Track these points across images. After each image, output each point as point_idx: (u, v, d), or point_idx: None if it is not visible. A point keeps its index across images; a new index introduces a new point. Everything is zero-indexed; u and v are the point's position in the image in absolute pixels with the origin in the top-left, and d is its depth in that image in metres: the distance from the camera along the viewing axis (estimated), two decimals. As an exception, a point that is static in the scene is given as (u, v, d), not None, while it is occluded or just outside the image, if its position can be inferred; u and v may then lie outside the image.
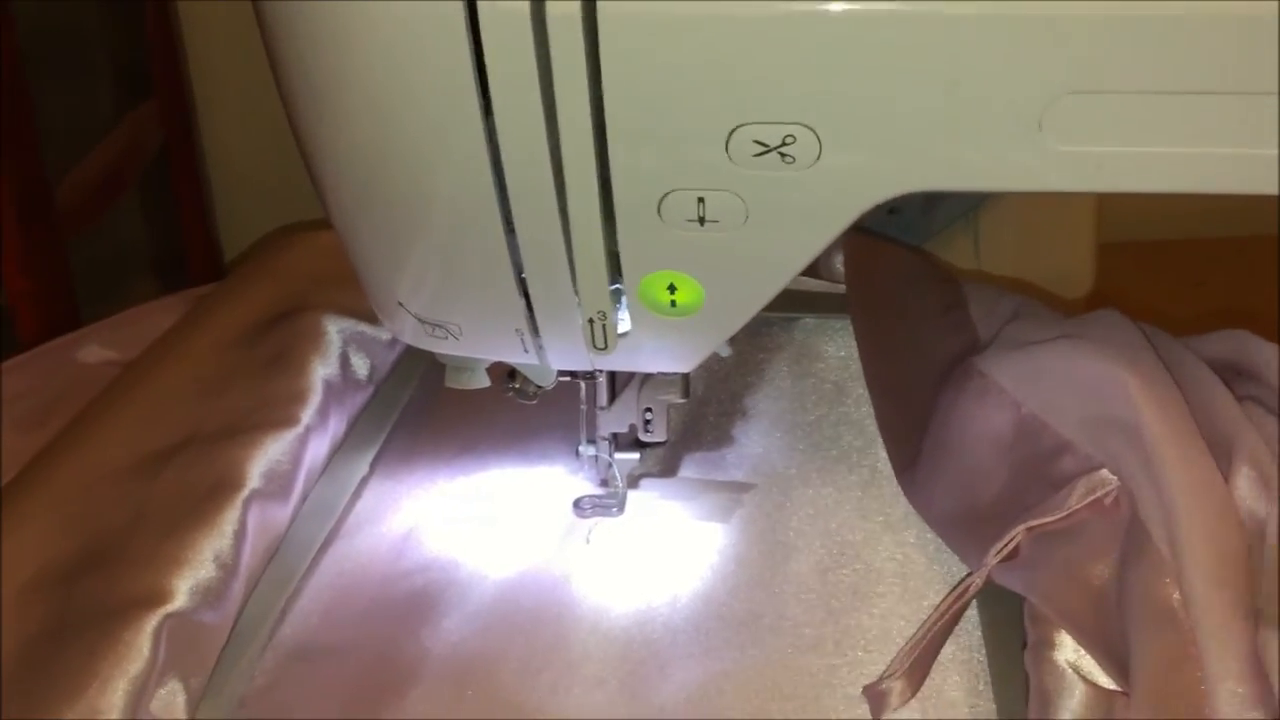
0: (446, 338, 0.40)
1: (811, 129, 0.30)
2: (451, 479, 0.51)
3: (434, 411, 0.56)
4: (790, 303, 0.33)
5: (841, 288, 0.60)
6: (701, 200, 0.32)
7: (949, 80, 0.29)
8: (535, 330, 0.38)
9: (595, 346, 0.38)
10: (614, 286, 0.36)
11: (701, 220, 0.33)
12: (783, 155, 0.31)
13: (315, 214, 1.04)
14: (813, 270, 0.65)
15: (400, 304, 0.39)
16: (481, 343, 0.40)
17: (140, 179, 0.92)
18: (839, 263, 0.64)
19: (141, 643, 0.37)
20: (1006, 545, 0.40)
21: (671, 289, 0.35)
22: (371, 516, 0.49)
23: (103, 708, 0.35)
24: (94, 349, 0.59)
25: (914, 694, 0.39)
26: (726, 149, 0.31)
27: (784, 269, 0.35)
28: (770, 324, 0.59)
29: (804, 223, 0.33)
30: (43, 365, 0.58)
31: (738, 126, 0.30)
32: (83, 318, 0.78)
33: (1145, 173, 0.29)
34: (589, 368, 0.40)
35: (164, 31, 0.94)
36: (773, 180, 0.31)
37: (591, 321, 0.37)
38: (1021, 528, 0.40)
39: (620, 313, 0.37)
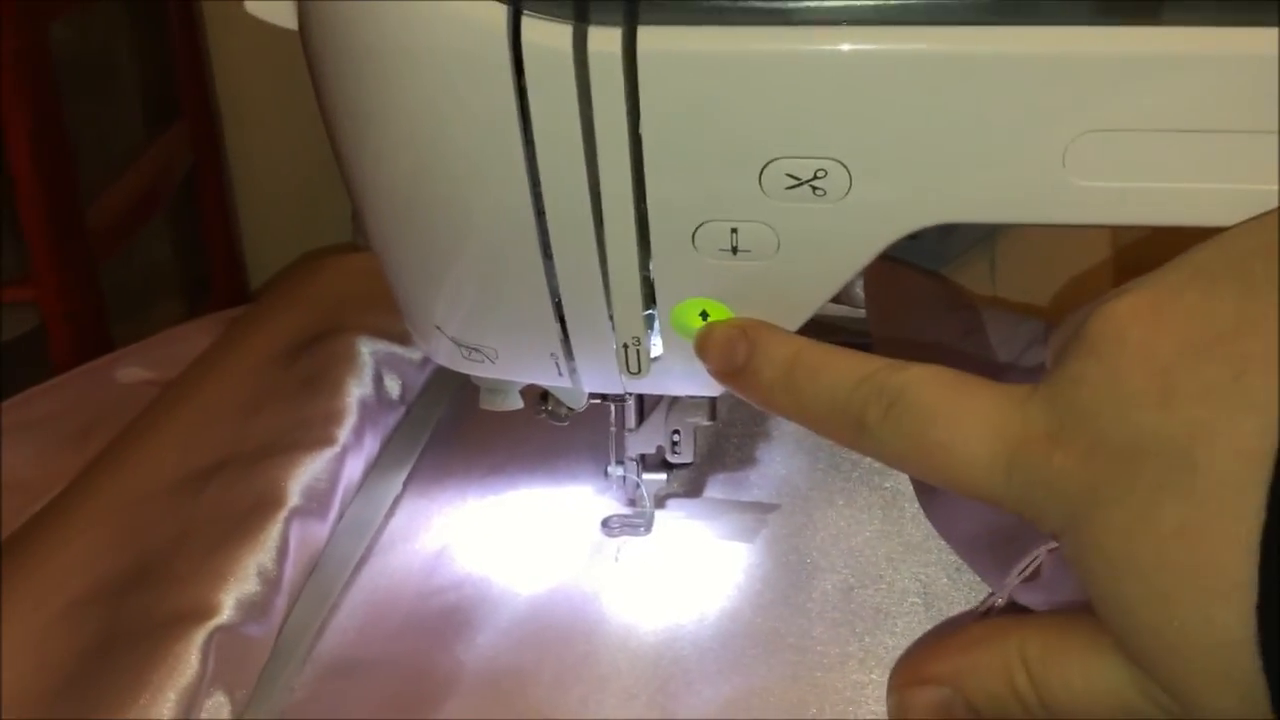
0: (483, 361, 0.41)
1: (842, 163, 0.31)
2: (482, 498, 0.53)
3: (464, 432, 0.57)
4: (813, 328, 0.34)
5: (862, 313, 0.62)
6: (735, 231, 0.33)
7: (974, 118, 0.30)
8: (570, 354, 0.40)
9: (629, 371, 0.39)
10: (647, 313, 0.37)
11: (734, 250, 0.34)
12: (814, 188, 0.32)
13: (340, 237, 1.05)
14: (835, 296, 0.66)
15: (437, 327, 0.40)
16: (517, 366, 0.41)
17: (168, 202, 0.94)
18: (859, 288, 0.65)
19: (191, 654, 0.38)
20: (1029, 565, 0.41)
21: (704, 315, 0.36)
22: (405, 534, 0.50)
23: (153, 718, 0.36)
24: (132, 370, 0.61)
25: (938, 711, 0.40)
26: (760, 182, 0.32)
27: (813, 297, 0.36)
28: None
29: (833, 253, 0.34)
30: (81, 385, 0.59)
31: (771, 160, 0.31)
32: (113, 338, 0.80)
33: (1165, 208, 0.30)
34: (621, 391, 0.41)
35: (192, 55, 0.96)
36: (804, 212, 0.32)
37: (626, 346, 0.38)
38: (1044, 548, 0.41)
39: (653, 338, 0.38)
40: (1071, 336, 0.28)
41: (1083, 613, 0.29)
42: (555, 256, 0.35)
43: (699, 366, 0.39)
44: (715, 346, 0.35)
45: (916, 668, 0.32)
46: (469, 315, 0.39)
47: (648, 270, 0.35)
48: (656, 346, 0.38)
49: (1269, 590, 0.24)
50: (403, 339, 0.56)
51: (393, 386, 0.55)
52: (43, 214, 0.74)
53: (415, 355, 0.57)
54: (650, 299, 0.36)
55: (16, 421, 0.56)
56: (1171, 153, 0.30)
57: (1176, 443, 0.25)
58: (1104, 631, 0.28)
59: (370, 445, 0.53)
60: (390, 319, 0.56)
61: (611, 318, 0.37)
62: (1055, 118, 0.29)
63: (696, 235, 0.34)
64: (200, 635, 0.39)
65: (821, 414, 0.32)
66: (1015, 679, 0.30)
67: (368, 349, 0.55)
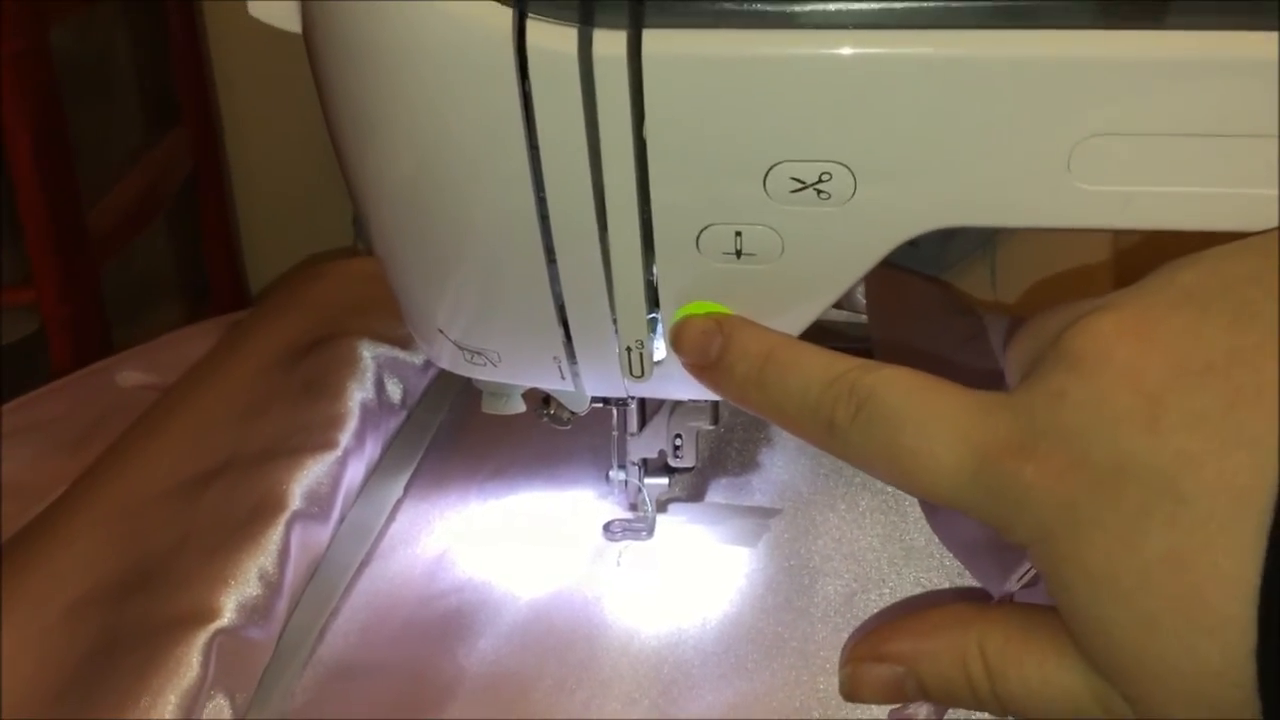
0: (485, 364, 0.41)
1: (847, 167, 0.31)
2: (483, 502, 0.53)
3: (465, 436, 0.57)
4: (815, 333, 0.34)
5: (864, 318, 0.62)
6: (739, 234, 0.33)
7: (979, 122, 0.30)
8: (572, 358, 0.39)
9: (631, 374, 0.39)
10: (650, 316, 0.37)
11: (739, 253, 0.34)
12: (819, 192, 0.32)
13: (340, 242, 1.05)
14: (836, 302, 0.66)
15: (440, 330, 0.40)
16: (519, 369, 0.41)
17: (168, 206, 0.94)
18: (860, 294, 0.65)
19: (192, 657, 0.38)
20: (1029, 571, 0.41)
21: (707, 320, 0.36)
22: (406, 538, 0.50)
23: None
24: (131, 373, 0.61)
25: (940, 719, 0.40)
26: (764, 185, 0.32)
27: (816, 301, 0.36)
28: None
29: (838, 257, 0.34)
30: (81, 389, 0.59)
31: (776, 164, 0.31)
32: (113, 343, 0.80)
33: (1171, 211, 0.30)
34: (623, 394, 0.41)
35: (192, 60, 0.96)
36: (808, 215, 0.32)
37: (629, 350, 0.38)
38: (1044, 553, 0.41)
39: (656, 342, 0.38)
40: (1047, 348, 0.28)
41: (1047, 612, 0.29)
42: (558, 260, 0.35)
43: (702, 371, 0.39)
44: (690, 340, 0.35)
45: (873, 645, 0.32)
46: (472, 319, 0.39)
47: (651, 274, 0.35)
48: (659, 350, 0.38)
49: (1268, 635, 0.24)
50: (404, 343, 0.56)
51: (394, 391, 0.55)
52: (44, 217, 0.74)
53: (417, 359, 0.57)
54: (653, 302, 0.36)
55: (17, 425, 0.56)
56: (1176, 157, 0.29)
57: (1164, 471, 0.25)
58: (1067, 636, 0.28)
59: (371, 449, 0.53)
60: (392, 323, 0.56)
61: (614, 321, 0.37)
62: (1060, 121, 0.29)
63: (701, 238, 0.34)
64: (201, 638, 0.39)
65: (792, 413, 0.32)
66: (971, 668, 0.30)
67: (369, 353, 0.55)
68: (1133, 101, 0.29)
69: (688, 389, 0.41)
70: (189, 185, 0.98)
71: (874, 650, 0.32)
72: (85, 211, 0.78)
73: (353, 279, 0.64)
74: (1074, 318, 0.28)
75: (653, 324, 0.37)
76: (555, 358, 0.40)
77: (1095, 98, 0.29)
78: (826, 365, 0.31)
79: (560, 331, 0.38)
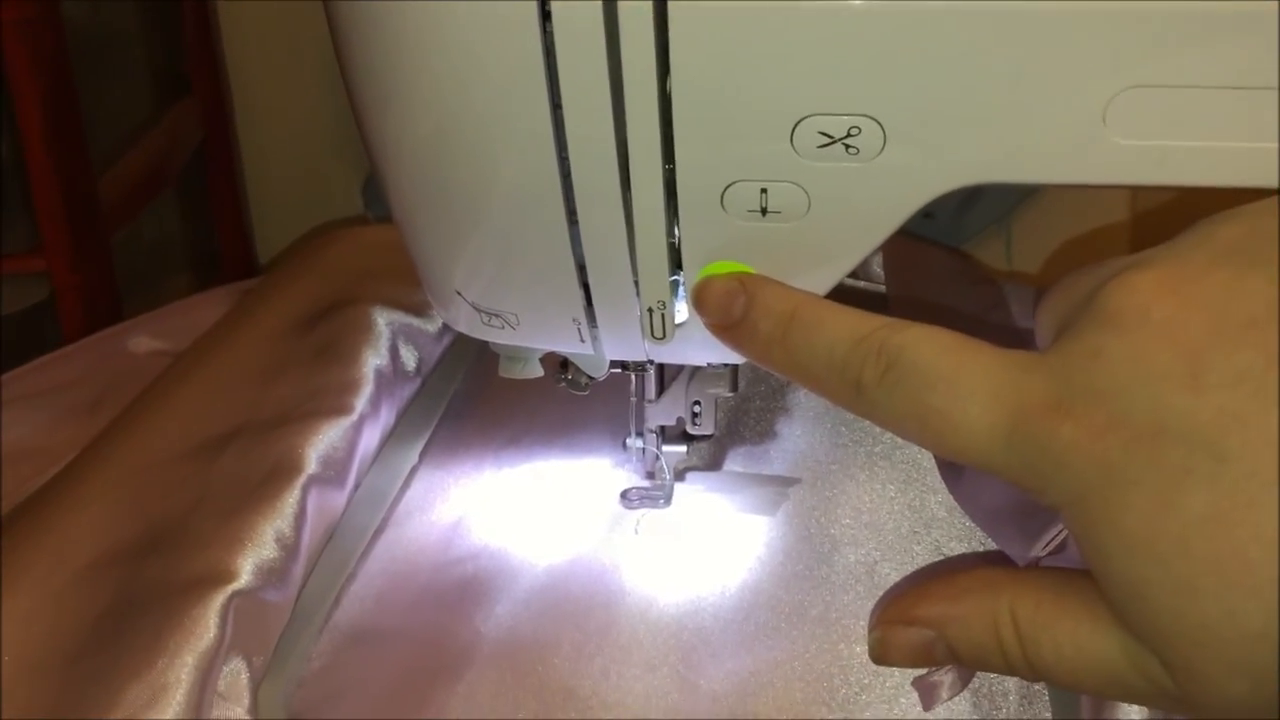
0: (503, 327, 0.40)
1: (877, 121, 0.30)
2: (499, 470, 0.52)
3: (480, 404, 0.57)
4: (833, 298, 0.34)
5: (881, 288, 0.61)
6: (764, 191, 0.33)
7: (1014, 74, 0.29)
8: (592, 320, 0.39)
9: (653, 336, 0.38)
10: (673, 278, 0.36)
11: (764, 211, 0.33)
12: (847, 147, 0.31)
13: (349, 212, 1.05)
14: (852, 271, 0.65)
15: (458, 292, 0.40)
16: (538, 332, 0.40)
17: (178, 176, 0.93)
18: (877, 264, 0.64)
19: (209, 618, 0.37)
20: (1055, 538, 0.41)
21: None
22: (421, 505, 0.50)
23: (170, 681, 0.36)
24: (143, 339, 0.60)
25: (964, 687, 0.40)
26: (791, 140, 0.31)
27: (842, 261, 0.35)
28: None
29: (865, 215, 0.33)
30: (93, 354, 0.59)
31: (804, 118, 0.31)
32: (122, 312, 0.80)
33: (1209, 167, 0.29)
34: (644, 358, 0.41)
35: (202, 30, 0.96)
36: (836, 172, 0.32)
37: (651, 311, 0.37)
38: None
39: (678, 303, 0.38)
40: (1081, 306, 0.28)
41: (1079, 576, 0.28)
42: (580, 219, 0.35)
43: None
44: (713, 298, 0.34)
45: (903, 608, 0.31)
46: (490, 279, 0.39)
47: (674, 233, 0.35)
48: (681, 312, 0.38)
49: None
50: (419, 310, 0.56)
51: (409, 358, 0.55)
52: (54, 185, 0.73)
53: (431, 327, 0.56)
54: (676, 263, 0.36)
55: (27, 389, 0.55)
56: (1216, 110, 0.29)
57: (1205, 429, 0.25)
58: (1101, 600, 0.27)
59: (386, 416, 0.52)
60: (406, 290, 0.56)
61: (636, 283, 0.37)
62: (1097, 73, 0.29)
63: (725, 196, 0.33)
64: (219, 599, 0.38)
65: (818, 372, 0.31)
66: (1002, 633, 0.29)
67: (384, 319, 0.54)
68: (1172, 52, 0.28)
69: (708, 352, 0.41)
70: (198, 156, 0.97)
71: (904, 614, 0.31)
72: (95, 180, 0.78)
73: (364, 247, 0.63)
74: (1108, 276, 0.27)
75: (674, 285, 0.37)
76: (575, 320, 0.39)
77: (1133, 48, 0.28)
78: (853, 324, 0.31)
79: (580, 293, 0.38)
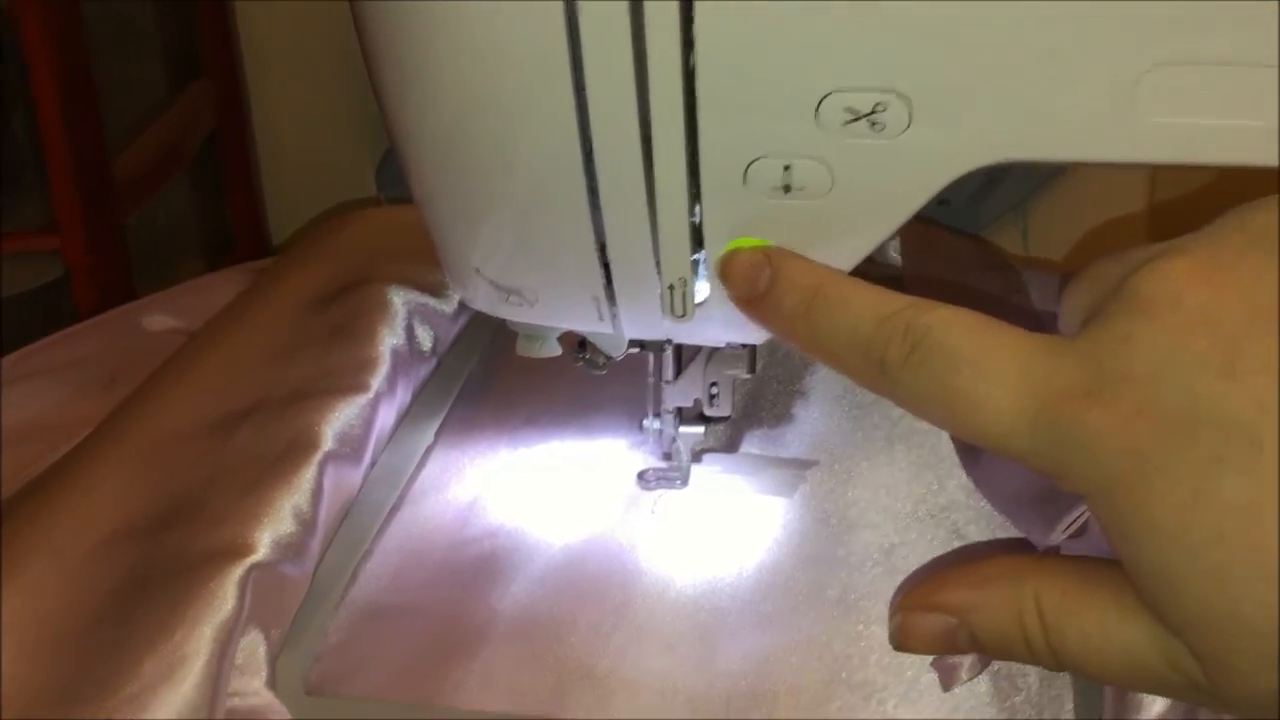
0: (522, 304, 0.40)
1: (903, 96, 0.30)
2: (514, 449, 0.52)
3: (496, 385, 0.57)
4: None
5: (898, 269, 0.61)
6: (788, 168, 0.33)
7: (1043, 50, 0.29)
8: (612, 298, 0.39)
9: (673, 314, 0.38)
10: (695, 257, 0.36)
11: (787, 188, 0.33)
12: (872, 123, 0.31)
13: (362, 194, 1.05)
14: (869, 255, 0.65)
15: (476, 270, 0.40)
16: (557, 310, 0.40)
17: (192, 158, 0.93)
18: (893, 249, 0.64)
19: (228, 590, 0.37)
20: (1076, 521, 0.40)
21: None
22: (437, 484, 0.50)
23: (189, 653, 0.36)
24: (158, 317, 0.60)
25: (983, 669, 0.40)
26: (816, 116, 0.31)
27: (863, 241, 0.35)
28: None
29: (889, 193, 0.33)
30: (108, 331, 0.59)
31: (829, 93, 0.30)
32: (136, 293, 0.80)
33: (1241, 147, 0.29)
34: (662, 337, 0.41)
35: (217, 12, 0.95)
36: (861, 148, 0.32)
37: (671, 289, 0.37)
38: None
39: (699, 281, 0.37)
40: (1111, 293, 0.27)
41: (1105, 565, 0.28)
42: (602, 197, 0.35)
43: (743, 311, 0.38)
44: (738, 271, 0.34)
45: (924, 594, 0.31)
46: (510, 257, 0.38)
47: (696, 210, 0.35)
48: (702, 290, 0.38)
49: None
50: (435, 290, 0.55)
51: (424, 338, 0.55)
52: (69, 165, 0.73)
53: (447, 307, 0.56)
54: (697, 241, 0.36)
55: (42, 365, 0.55)
56: (1249, 88, 0.29)
57: (1241, 416, 0.24)
58: (1128, 590, 0.27)
59: (402, 395, 0.52)
60: (421, 270, 0.55)
61: (657, 261, 0.36)
62: (1127, 49, 0.28)
63: (749, 172, 0.33)
64: (237, 572, 0.38)
65: (841, 350, 0.31)
66: (1026, 621, 0.29)
67: (400, 298, 0.54)
68: (1205, 29, 0.28)
69: (728, 331, 0.41)
70: (212, 139, 0.97)
71: (926, 600, 0.31)
72: (110, 162, 0.78)
73: (379, 227, 0.63)
74: (1139, 262, 0.27)
75: (695, 264, 0.37)
76: (594, 297, 0.39)
77: (1165, 24, 0.28)
78: (879, 302, 0.31)
79: (601, 271, 0.37)
